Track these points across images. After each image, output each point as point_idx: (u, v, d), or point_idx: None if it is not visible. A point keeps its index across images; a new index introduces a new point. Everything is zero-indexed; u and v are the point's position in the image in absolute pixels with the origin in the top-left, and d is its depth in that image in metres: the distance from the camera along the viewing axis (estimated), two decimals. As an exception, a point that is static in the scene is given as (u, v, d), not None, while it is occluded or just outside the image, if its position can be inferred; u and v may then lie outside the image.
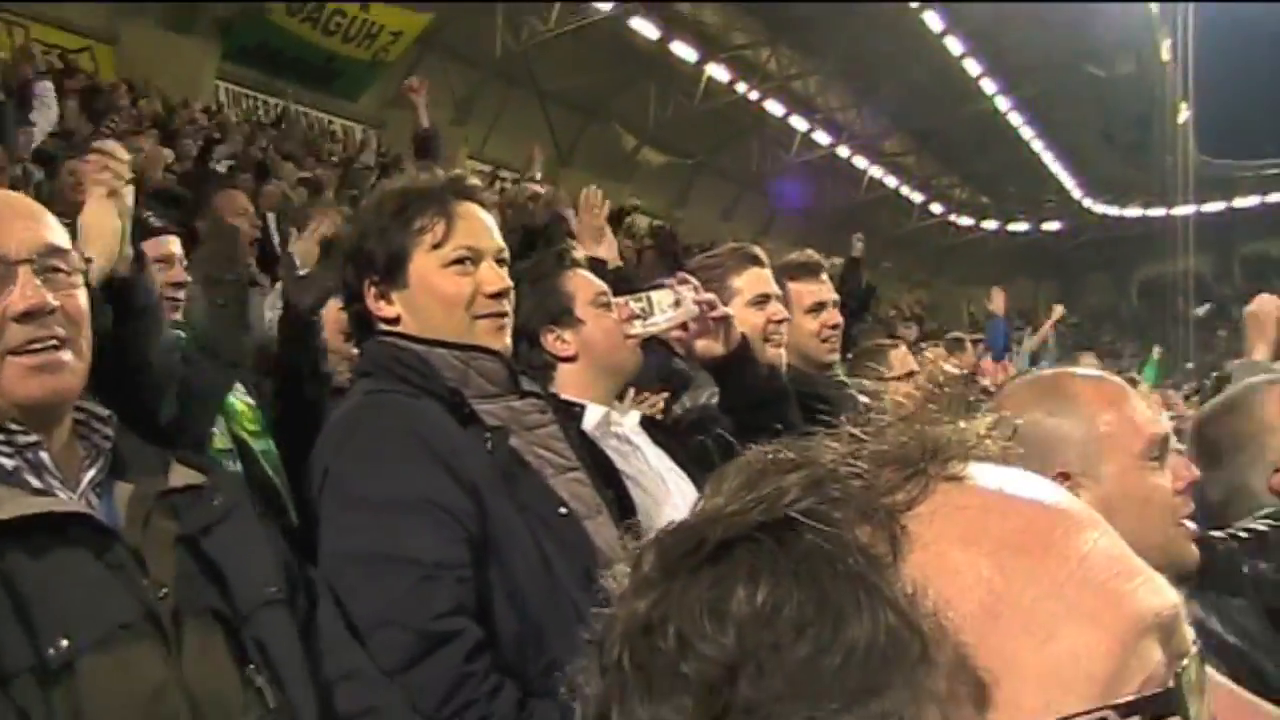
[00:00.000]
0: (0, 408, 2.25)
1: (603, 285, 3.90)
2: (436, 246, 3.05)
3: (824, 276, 5.14)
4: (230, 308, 4.01)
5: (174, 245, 4.61)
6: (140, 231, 4.23)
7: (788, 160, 45.00)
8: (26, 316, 2.25)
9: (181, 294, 4.57)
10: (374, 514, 2.72)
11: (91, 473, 2.33)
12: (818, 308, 5.01)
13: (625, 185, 36.82)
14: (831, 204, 47.92)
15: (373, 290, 3.07)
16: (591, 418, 3.69)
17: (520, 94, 35.41)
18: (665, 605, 0.87)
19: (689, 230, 36.23)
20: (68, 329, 2.31)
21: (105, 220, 3.16)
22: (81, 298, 2.37)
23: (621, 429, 3.80)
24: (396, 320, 3.07)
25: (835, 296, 5.13)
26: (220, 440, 4.18)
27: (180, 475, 2.43)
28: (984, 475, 0.93)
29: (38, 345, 2.27)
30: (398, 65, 33.29)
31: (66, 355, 2.30)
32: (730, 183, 45.90)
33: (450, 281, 3.05)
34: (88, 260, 2.44)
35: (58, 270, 2.32)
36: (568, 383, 3.77)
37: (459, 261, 3.06)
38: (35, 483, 2.23)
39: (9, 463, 2.23)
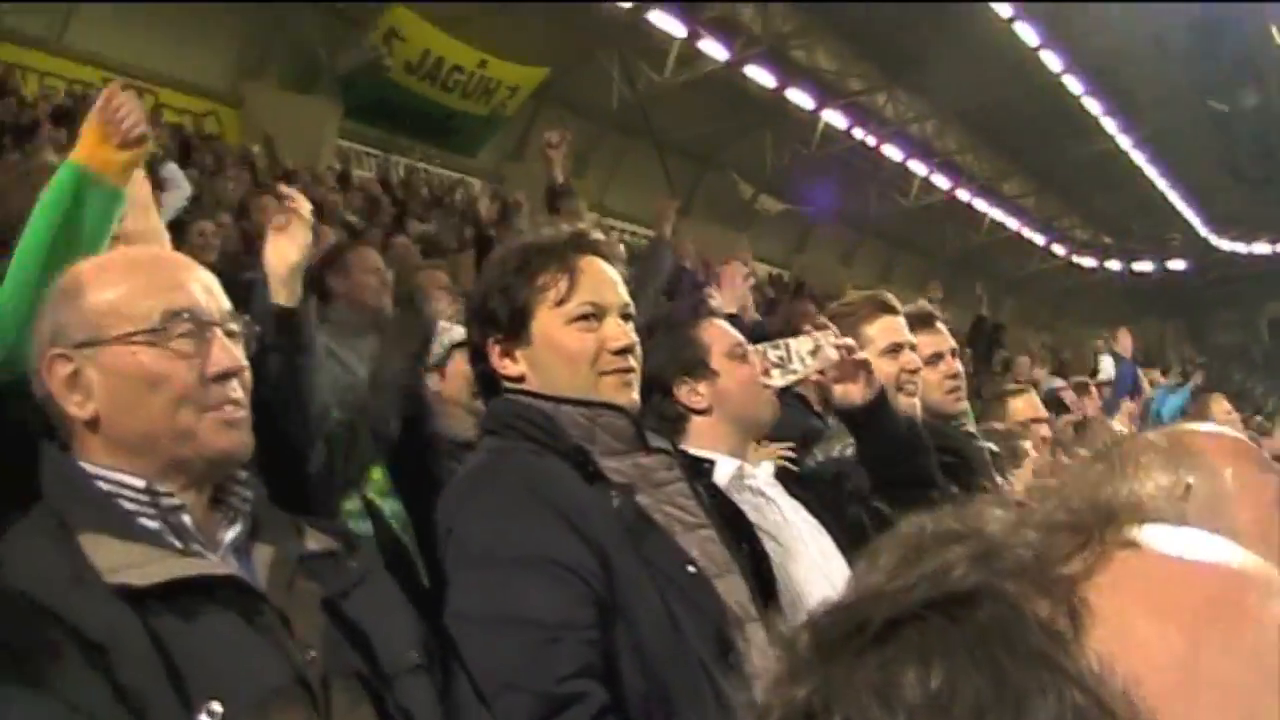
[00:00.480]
0: (151, 465, 2.26)
1: (739, 336, 3.85)
2: (560, 303, 3.02)
3: (939, 325, 5.06)
4: (400, 381, 4.02)
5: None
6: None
7: (906, 205, 44.78)
8: (224, 377, 2.30)
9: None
10: (497, 573, 2.68)
11: (231, 535, 2.33)
12: (936, 358, 4.92)
13: (743, 233, 36.81)
14: (952, 247, 47.60)
15: (497, 349, 3.04)
16: (725, 471, 3.64)
17: (637, 145, 35.55)
18: (828, 692, 0.80)
19: (808, 277, 36.21)
20: (244, 391, 2.37)
21: (288, 256, 3.25)
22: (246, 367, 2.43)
23: (755, 481, 3.74)
24: (521, 379, 3.04)
25: (953, 345, 5.05)
26: (350, 501, 4.18)
27: (316, 539, 2.42)
28: (1161, 539, 0.86)
29: (230, 404, 2.32)
30: (515, 120, 33.64)
31: (246, 414, 2.36)
32: (849, 229, 45.74)
33: (574, 338, 3.02)
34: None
35: (233, 334, 2.33)
36: (701, 435, 3.72)
37: (583, 318, 3.02)
38: (178, 544, 2.22)
39: (152, 524, 2.23)
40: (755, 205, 39.54)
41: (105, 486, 2.24)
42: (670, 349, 3.75)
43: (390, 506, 4.31)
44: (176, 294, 2.30)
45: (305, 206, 3.41)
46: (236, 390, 2.33)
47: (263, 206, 8.36)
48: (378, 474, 4.41)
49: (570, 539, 2.68)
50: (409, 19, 29.04)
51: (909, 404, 4.47)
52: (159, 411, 2.24)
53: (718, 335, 3.83)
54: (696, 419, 3.72)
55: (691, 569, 2.83)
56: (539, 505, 2.71)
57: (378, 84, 29.31)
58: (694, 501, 3.04)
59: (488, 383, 3.12)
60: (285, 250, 3.26)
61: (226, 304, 2.40)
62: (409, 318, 4.41)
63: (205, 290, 2.35)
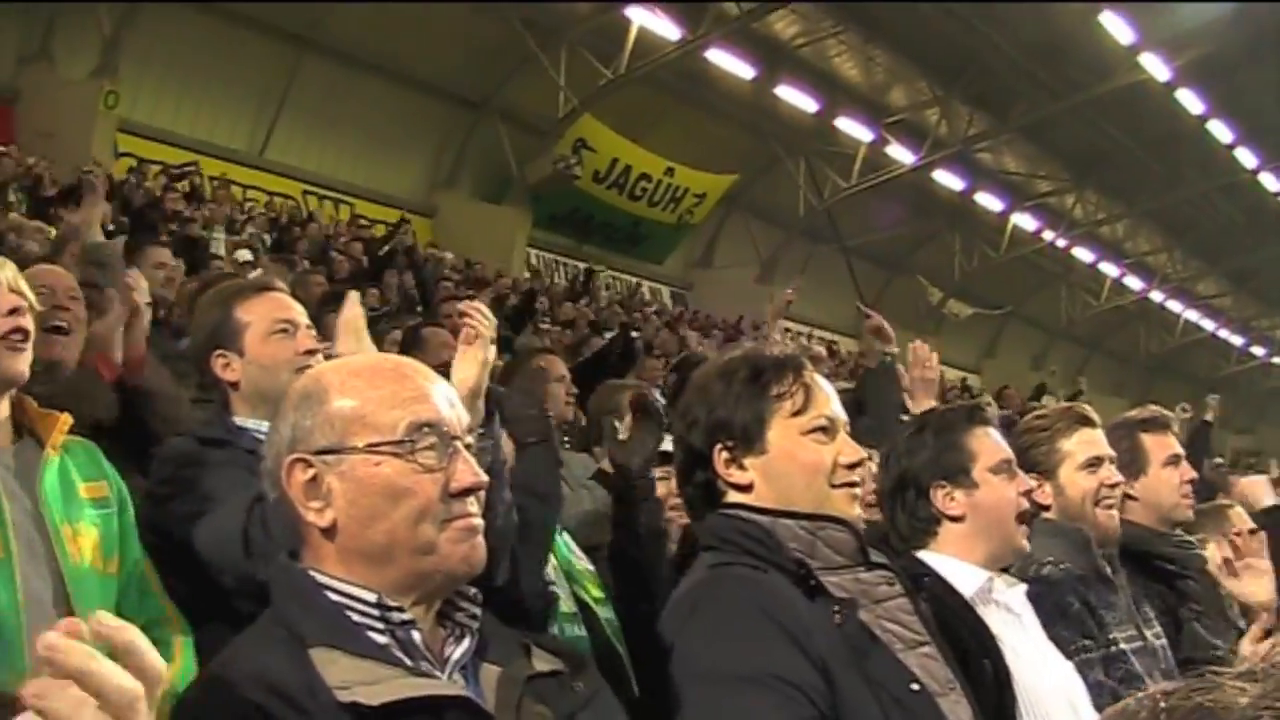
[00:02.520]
0: (386, 578, 2.26)
1: (1009, 453, 3.77)
2: (796, 414, 2.99)
3: (1173, 431, 4.94)
4: (543, 445, 4.01)
5: None
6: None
7: (1097, 307, 44.09)
8: (466, 492, 2.29)
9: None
10: (721, 690, 2.63)
11: (458, 653, 2.30)
12: (1174, 460, 4.80)
13: (932, 338, 36.45)
14: (1146, 350, 46.70)
15: (724, 456, 3.01)
16: (972, 583, 3.57)
17: (824, 250, 35.58)
18: None
19: (998, 382, 35.74)
20: (481, 506, 2.35)
21: (471, 373, 3.27)
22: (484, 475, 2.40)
23: (1004, 597, 3.66)
24: (749, 487, 3.00)
25: (1183, 451, 4.92)
26: (565, 604, 4.16)
27: (542, 659, 2.40)
28: None
29: (471, 520, 2.30)
30: (703, 226, 33.90)
31: (482, 529, 2.33)
32: (1040, 331, 45.15)
33: (811, 450, 2.97)
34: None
35: (469, 447, 2.35)
36: (950, 542, 3.66)
37: (820, 430, 2.99)
38: (407, 661, 2.21)
39: (381, 639, 2.21)
40: (944, 309, 39.21)
41: (335, 598, 2.23)
42: (935, 450, 3.71)
43: (605, 614, 4.30)
44: (422, 406, 2.29)
45: (487, 324, 3.42)
46: (474, 505, 2.31)
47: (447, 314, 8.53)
48: (586, 575, 4.41)
49: (795, 656, 2.62)
50: (597, 129, 29.52)
51: (1107, 517, 4.36)
52: (400, 524, 2.23)
53: (988, 448, 3.76)
54: (949, 525, 3.67)
55: (915, 687, 2.75)
56: (763, 622, 2.66)
57: (567, 193, 29.75)
58: (914, 618, 2.97)
59: (705, 493, 3.09)
60: (465, 371, 3.28)
61: (467, 417, 2.40)
62: (650, 412, 4.44)
63: (448, 403, 2.34)
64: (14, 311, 3.19)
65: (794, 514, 2.92)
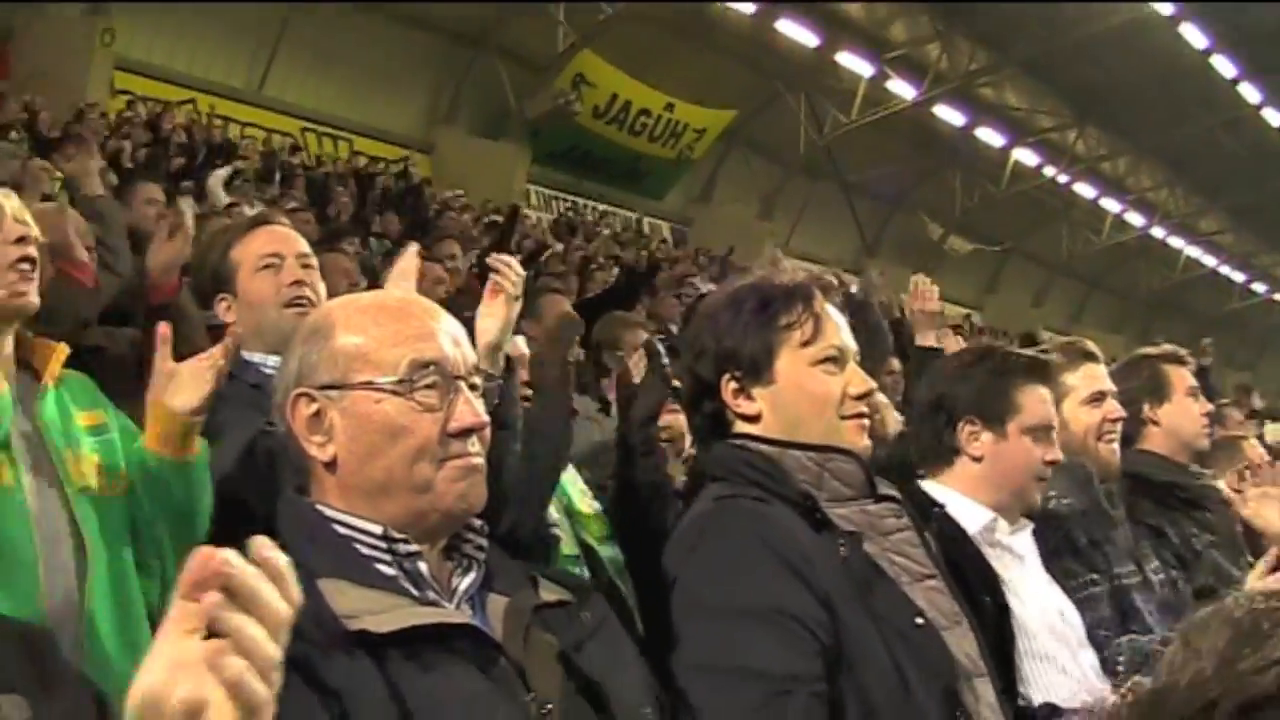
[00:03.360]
0: (387, 513, 2.27)
1: (1052, 419, 3.81)
2: (805, 344, 2.97)
3: (1189, 363, 4.97)
4: (558, 391, 4.02)
5: (522, 344, 4.65)
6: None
7: (1098, 244, 44.01)
8: (465, 432, 2.30)
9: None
10: (723, 624, 2.63)
11: (465, 584, 2.32)
12: (1194, 392, 4.83)
13: (932, 274, 36.41)
14: (1147, 286, 46.66)
15: (732, 386, 2.99)
16: (977, 521, 3.58)
17: (825, 187, 35.52)
18: None
19: (999, 318, 35.75)
20: (484, 447, 2.36)
21: (495, 326, 3.32)
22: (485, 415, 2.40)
23: (1006, 538, 3.67)
24: (757, 418, 2.99)
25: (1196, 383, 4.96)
26: (568, 546, 4.17)
27: (549, 590, 2.41)
28: None
29: (470, 460, 2.30)
30: (702, 162, 33.80)
31: (483, 468, 2.34)
32: (1040, 268, 45.12)
33: (820, 381, 2.96)
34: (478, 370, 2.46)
35: (475, 388, 2.36)
36: (962, 478, 3.68)
37: (829, 360, 2.98)
38: (414, 591, 2.23)
39: (389, 570, 2.23)
40: (944, 245, 39.15)
41: (343, 530, 2.25)
42: (981, 388, 3.74)
43: (607, 553, 4.31)
44: (425, 344, 2.29)
45: (516, 279, 3.42)
46: (475, 445, 2.31)
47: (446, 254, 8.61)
48: (590, 512, 4.41)
49: (798, 589, 2.61)
50: (596, 65, 29.41)
51: (1109, 451, 4.38)
52: (397, 462, 2.24)
53: (1033, 406, 3.77)
54: (967, 462, 3.68)
55: (919, 620, 2.74)
56: (767, 555, 2.65)
57: (566, 129, 29.67)
58: (922, 550, 2.96)
59: (713, 423, 3.08)
60: (487, 324, 3.33)
61: (473, 357, 2.39)
62: (653, 371, 4.41)
63: (453, 342, 2.34)
64: (21, 240, 3.21)
65: (801, 445, 2.92)
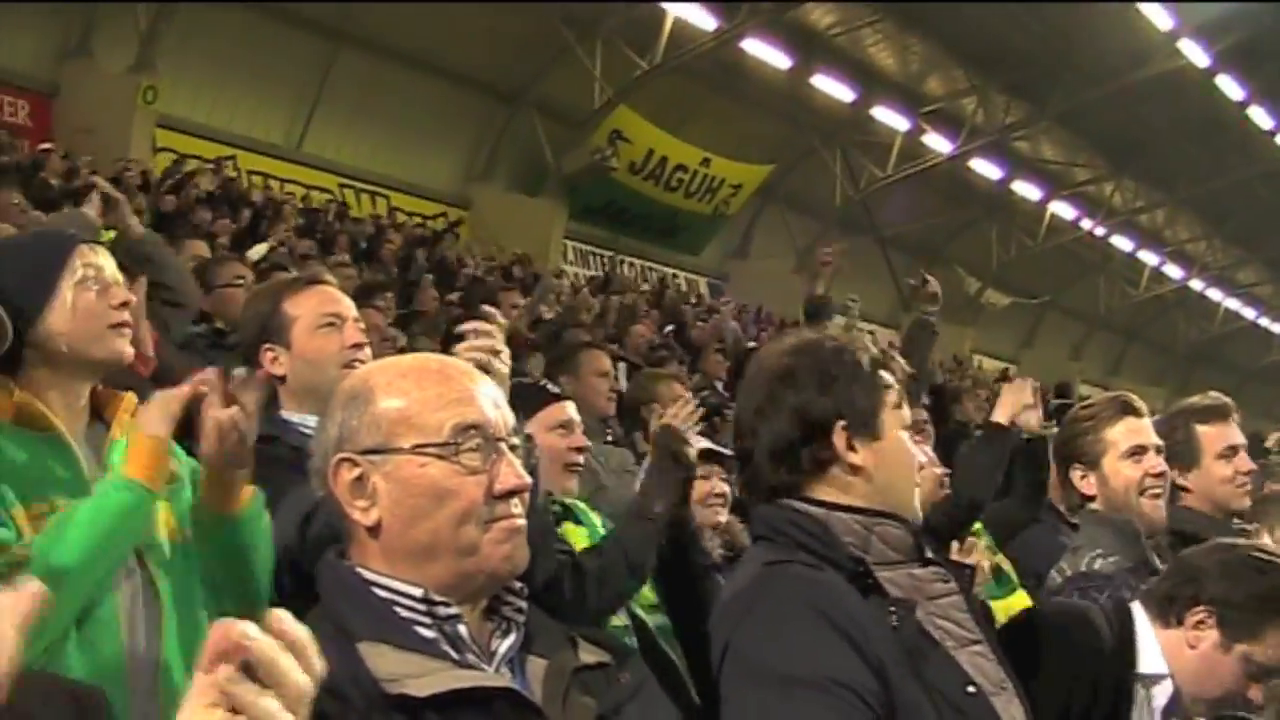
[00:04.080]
0: (430, 576, 2.26)
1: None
2: (897, 407, 2.97)
3: (1234, 419, 4.88)
4: (654, 524, 4.03)
5: (572, 410, 4.61)
6: (531, 398, 4.29)
7: (1136, 296, 43.86)
8: (510, 494, 2.30)
9: (582, 459, 4.57)
10: (776, 694, 2.60)
11: (504, 646, 2.31)
12: (1230, 452, 4.75)
13: (969, 328, 36.40)
14: (1186, 338, 46.44)
15: (845, 434, 2.95)
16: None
17: (860, 241, 35.50)
18: None
19: (1037, 371, 35.57)
20: (524, 506, 2.36)
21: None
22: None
23: None
24: (858, 470, 2.95)
25: (1244, 440, 4.87)
26: (617, 617, 4.15)
27: (588, 652, 2.40)
28: None
29: (514, 522, 2.31)
30: (739, 217, 33.88)
31: (525, 529, 2.34)
32: (1078, 321, 44.99)
33: (909, 447, 2.98)
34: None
35: (515, 449, 2.36)
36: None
37: (910, 427, 3.00)
38: (454, 654, 2.22)
39: (428, 633, 2.22)
40: (981, 299, 39.08)
41: (383, 594, 2.25)
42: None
43: (657, 621, 4.27)
44: (468, 408, 2.30)
45: (498, 343, 3.39)
46: (518, 506, 2.32)
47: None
48: (646, 590, 4.37)
49: (851, 658, 2.58)
50: (632, 120, 29.54)
51: (1152, 507, 4.33)
52: (444, 525, 2.24)
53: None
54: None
55: (971, 689, 2.71)
56: (819, 622, 2.61)
57: (603, 185, 29.79)
58: (967, 615, 2.93)
59: (816, 465, 3.02)
60: None
61: (512, 418, 2.40)
62: (675, 456, 4.33)
63: (493, 404, 2.35)
64: (124, 305, 3.27)
65: (849, 508, 2.89)
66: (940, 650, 2.76)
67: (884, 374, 2.96)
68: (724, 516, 4.91)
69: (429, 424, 2.28)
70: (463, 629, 2.26)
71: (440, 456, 2.26)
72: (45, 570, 2.75)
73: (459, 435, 2.27)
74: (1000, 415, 5.78)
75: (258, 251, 11.99)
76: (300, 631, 1.38)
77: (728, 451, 4.87)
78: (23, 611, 1.49)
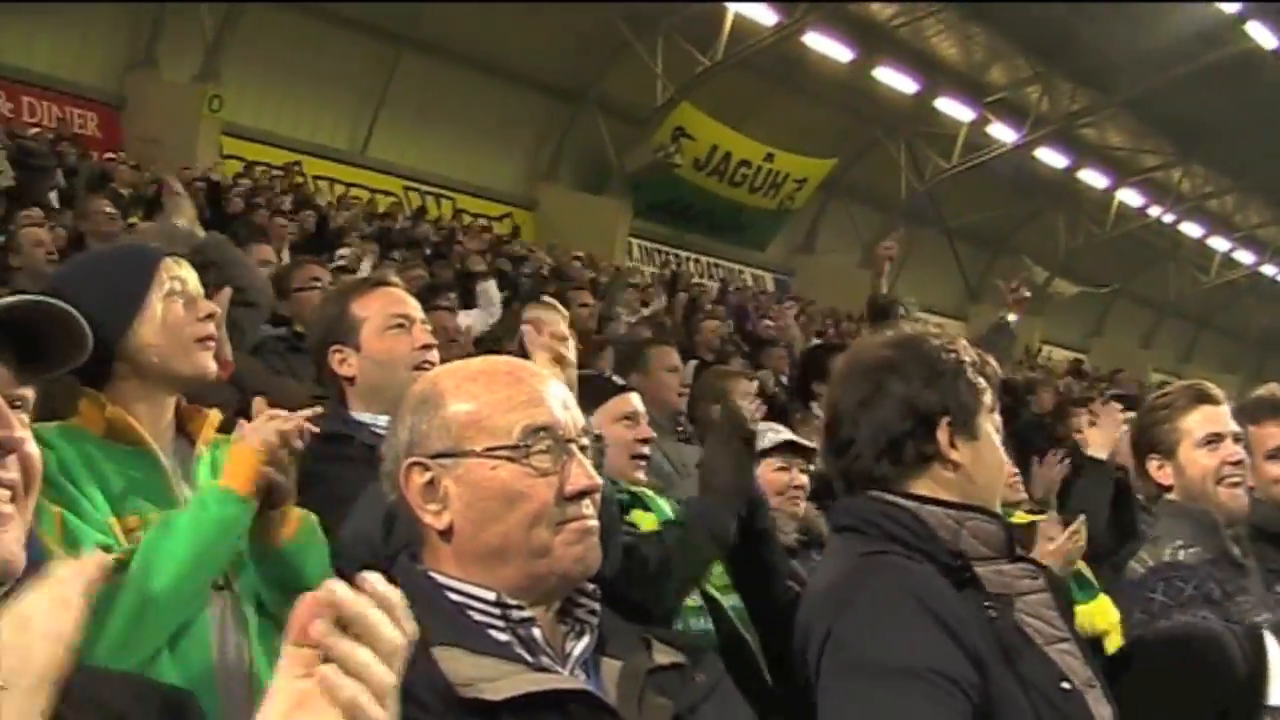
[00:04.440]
0: (503, 579, 2.26)
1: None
2: (991, 409, 2.97)
3: None
4: (725, 495, 4.00)
5: (637, 401, 4.61)
6: (597, 391, 4.29)
7: (1206, 283, 43.41)
8: (581, 495, 2.30)
9: (647, 450, 4.56)
10: (880, 683, 2.59)
11: (579, 648, 2.31)
12: (1275, 454, 4.62)
13: (1037, 318, 36.14)
14: (1259, 325, 45.91)
15: (948, 430, 2.93)
16: None
17: (927, 233, 35.38)
18: None
19: (1107, 360, 35.32)
20: (596, 507, 2.36)
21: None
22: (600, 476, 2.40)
23: None
24: (957, 467, 2.94)
25: None
26: (690, 599, 4.14)
27: (663, 653, 2.39)
28: None
29: (585, 523, 2.31)
30: (804, 212, 33.79)
31: (597, 529, 2.34)
32: (1148, 309, 44.58)
33: (999, 446, 3.00)
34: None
35: (585, 449, 2.35)
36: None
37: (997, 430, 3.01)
38: (528, 657, 2.22)
39: (502, 636, 2.22)
40: (1049, 289, 38.77)
41: (456, 598, 2.25)
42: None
43: (730, 602, 4.26)
44: (537, 409, 2.30)
45: (566, 332, 3.41)
46: (589, 507, 2.32)
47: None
48: (718, 569, 4.36)
49: (952, 649, 2.56)
50: (695, 117, 29.54)
51: (1230, 496, 4.24)
52: (515, 527, 2.25)
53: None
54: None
55: (1066, 685, 2.70)
56: (921, 613, 2.60)
57: (667, 182, 29.78)
58: (1055, 613, 2.90)
59: (919, 457, 3.01)
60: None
61: (581, 419, 2.41)
62: (733, 424, 4.29)
63: (563, 405, 2.35)
64: (209, 317, 3.29)
65: (939, 502, 2.87)
66: (1034, 646, 2.75)
67: (982, 375, 2.95)
68: (802, 507, 4.90)
69: (499, 426, 2.28)
70: (536, 632, 2.25)
71: (511, 459, 2.26)
72: (144, 581, 2.78)
73: (529, 437, 2.27)
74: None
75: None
76: (391, 591, 1.39)
77: (809, 444, 4.88)
78: (88, 579, 1.49)
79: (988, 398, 2.95)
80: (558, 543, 2.26)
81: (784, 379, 11.60)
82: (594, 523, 2.31)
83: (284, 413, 3.09)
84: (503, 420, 2.28)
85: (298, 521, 3.16)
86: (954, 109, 33.11)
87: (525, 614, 2.25)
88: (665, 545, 3.79)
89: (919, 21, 31.09)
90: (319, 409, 3.20)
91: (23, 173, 15.31)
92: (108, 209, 9.74)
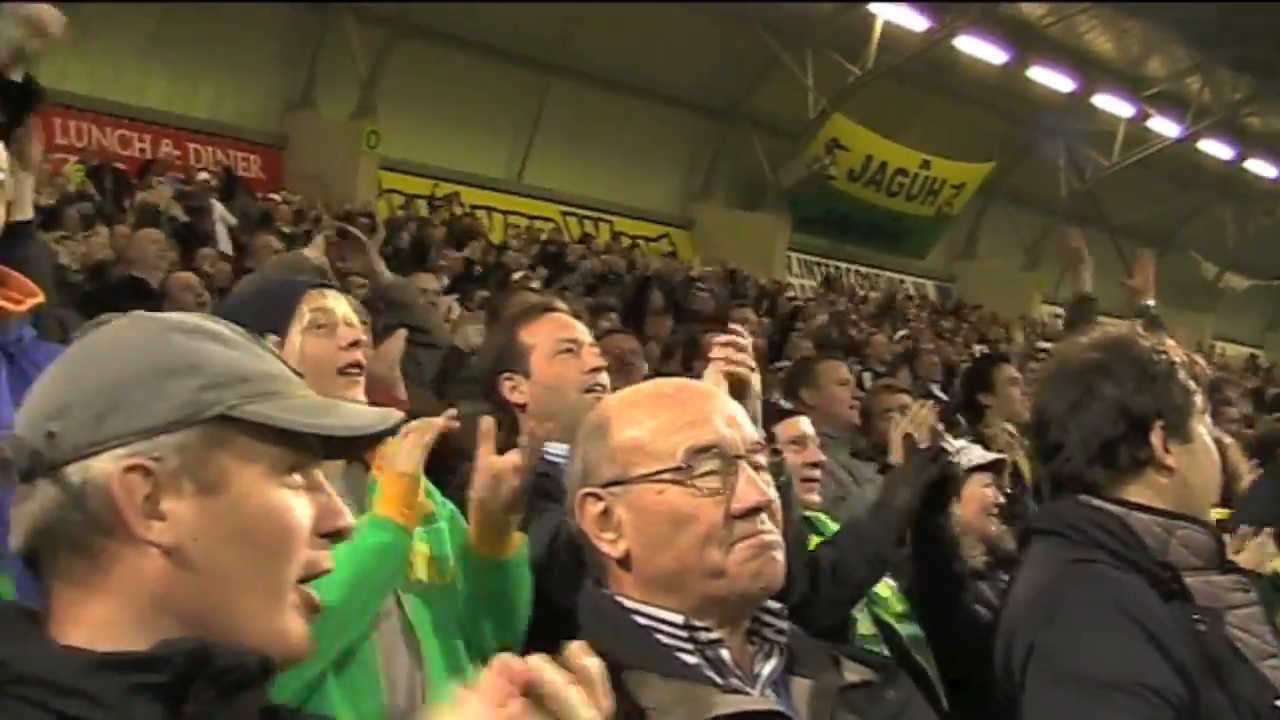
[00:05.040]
0: (685, 602, 2.23)
1: None
2: (1202, 412, 2.90)
3: None
4: (895, 511, 3.95)
5: (806, 425, 4.59)
6: (771, 413, 4.25)
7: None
8: (753, 512, 2.24)
9: (818, 474, 4.54)
10: (1086, 696, 2.53)
11: (768, 669, 2.27)
12: None
13: (1208, 314, 35.38)
14: None
15: (1161, 434, 2.86)
16: None
17: (1090, 233, 34.74)
18: None
19: (1285, 354, 34.42)
20: (776, 524, 2.30)
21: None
22: (774, 491, 2.33)
23: None
24: (1170, 472, 2.85)
25: None
26: (864, 626, 4.09)
27: (853, 670, 2.35)
28: None
29: (761, 538, 2.24)
30: (963, 217, 33.48)
31: (778, 551, 2.27)
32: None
33: (1214, 452, 2.90)
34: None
35: (759, 466, 2.30)
36: None
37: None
38: (718, 680, 2.19)
39: (691, 659, 2.20)
40: (1220, 284, 37.91)
41: (643, 621, 2.24)
42: None
43: (907, 631, 4.20)
44: (701, 429, 2.27)
45: (749, 355, 3.34)
46: (765, 523, 2.25)
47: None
48: (886, 593, 4.31)
49: (1158, 662, 2.49)
50: (848, 128, 29.44)
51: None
52: (686, 550, 2.22)
53: None
54: None
55: (1279, 703, 2.61)
56: (1129, 625, 2.53)
57: (823, 194, 29.71)
58: (1267, 628, 2.81)
59: (1109, 465, 2.93)
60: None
61: (752, 433, 2.37)
62: (924, 450, 4.23)
63: (728, 422, 2.32)
64: (353, 344, 3.30)
65: (1150, 508, 2.79)
66: (1244, 661, 2.65)
67: (1194, 380, 2.86)
68: (995, 526, 4.81)
69: (663, 450, 2.26)
70: (725, 653, 2.22)
71: (676, 481, 2.24)
72: None
73: (693, 458, 2.24)
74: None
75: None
76: (594, 665, 1.38)
77: (1004, 457, 4.83)
78: None
79: (1199, 400, 2.85)
80: (731, 562, 2.22)
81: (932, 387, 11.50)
82: (771, 537, 2.26)
83: (416, 423, 3.08)
84: (666, 443, 2.26)
85: (521, 537, 3.18)
86: (1112, 105, 32.59)
87: (713, 635, 2.22)
88: (820, 562, 3.78)
89: (1071, 19, 30.62)
90: (452, 411, 3.17)
91: (191, 215, 15.73)
92: (274, 245, 9.96)
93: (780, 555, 2.27)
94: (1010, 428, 6.70)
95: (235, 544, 1.55)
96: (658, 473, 2.25)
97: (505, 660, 1.32)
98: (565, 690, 1.33)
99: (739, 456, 2.26)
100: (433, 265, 14.78)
